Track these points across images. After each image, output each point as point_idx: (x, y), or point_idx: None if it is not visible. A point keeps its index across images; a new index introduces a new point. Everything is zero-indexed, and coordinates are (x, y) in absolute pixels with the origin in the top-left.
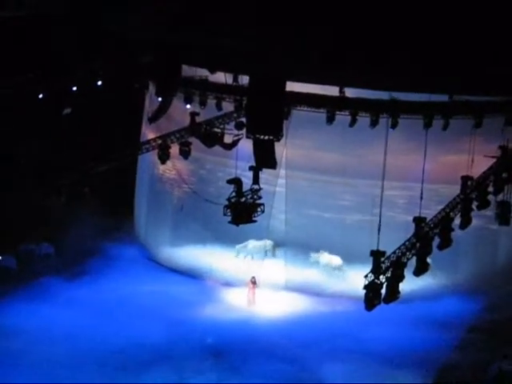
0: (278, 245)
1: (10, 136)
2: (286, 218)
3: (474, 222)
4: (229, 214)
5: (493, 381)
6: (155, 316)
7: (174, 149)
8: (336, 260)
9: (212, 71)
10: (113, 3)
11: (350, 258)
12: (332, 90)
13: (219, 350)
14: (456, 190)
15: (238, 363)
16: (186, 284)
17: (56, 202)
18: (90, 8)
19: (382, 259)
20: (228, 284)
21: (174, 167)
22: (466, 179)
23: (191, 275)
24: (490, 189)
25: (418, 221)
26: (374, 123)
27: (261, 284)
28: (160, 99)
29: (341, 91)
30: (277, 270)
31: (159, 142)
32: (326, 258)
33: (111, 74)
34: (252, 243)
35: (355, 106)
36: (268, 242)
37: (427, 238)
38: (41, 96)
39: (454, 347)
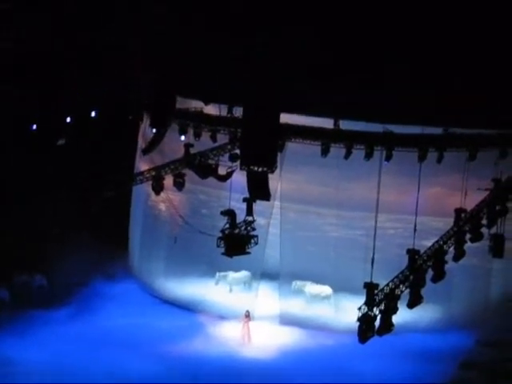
0: (272, 277)
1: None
2: (280, 249)
3: (467, 257)
4: (222, 245)
5: None
6: (148, 350)
7: (168, 180)
8: (325, 289)
9: (206, 103)
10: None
11: (344, 290)
12: (327, 123)
13: None
14: (449, 222)
15: None
16: (179, 317)
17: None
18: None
19: (376, 291)
20: (222, 317)
21: (167, 199)
22: (459, 212)
23: (185, 308)
24: (484, 221)
25: (412, 253)
26: (368, 155)
27: (255, 317)
28: (154, 131)
29: (335, 124)
30: (271, 302)
31: (153, 173)
32: (315, 288)
33: (105, 106)
34: (231, 275)
35: (350, 139)
36: (246, 274)
37: (421, 271)
38: (34, 127)
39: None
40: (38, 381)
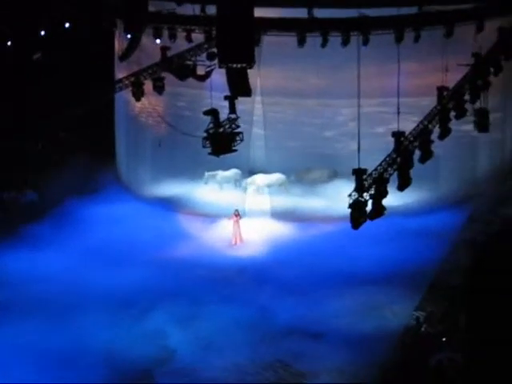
0: (258, 172)
1: None
2: (265, 144)
3: (453, 133)
4: (208, 145)
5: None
6: (138, 258)
7: (148, 85)
8: (277, 177)
9: (179, 3)
10: None
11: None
12: (301, 13)
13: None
14: (433, 101)
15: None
16: (169, 222)
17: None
18: None
19: (365, 176)
20: (214, 216)
21: (149, 104)
22: (441, 90)
23: (175, 211)
24: (467, 97)
25: (397, 135)
26: (345, 42)
27: (246, 214)
28: (129, 36)
29: (309, 13)
30: (261, 198)
31: (132, 79)
32: (265, 179)
33: (78, 16)
34: (221, 173)
35: (325, 26)
36: (235, 171)
37: (408, 152)
38: (9, 43)
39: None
40: (33, 291)
